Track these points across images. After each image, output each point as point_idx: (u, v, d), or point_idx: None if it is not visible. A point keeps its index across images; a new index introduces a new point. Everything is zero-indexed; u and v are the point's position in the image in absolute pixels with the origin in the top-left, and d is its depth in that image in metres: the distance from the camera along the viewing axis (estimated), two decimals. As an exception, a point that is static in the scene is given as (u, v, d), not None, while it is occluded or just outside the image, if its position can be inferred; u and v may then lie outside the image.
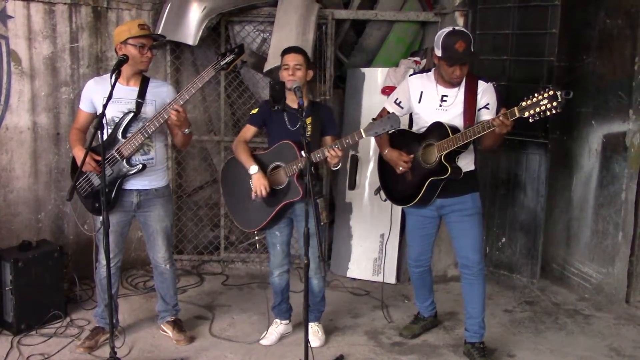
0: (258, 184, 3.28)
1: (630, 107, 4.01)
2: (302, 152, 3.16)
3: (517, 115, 2.88)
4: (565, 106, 2.81)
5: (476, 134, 3.03)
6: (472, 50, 3.11)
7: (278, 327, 3.61)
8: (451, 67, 3.11)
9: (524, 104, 2.86)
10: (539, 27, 4.11)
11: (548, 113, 2.80)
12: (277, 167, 3.33)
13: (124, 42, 3.18)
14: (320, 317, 3.64)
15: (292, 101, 3.26)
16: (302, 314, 2.84)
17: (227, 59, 3.15)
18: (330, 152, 3.12)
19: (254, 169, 3.30)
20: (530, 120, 2.86)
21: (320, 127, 3.38)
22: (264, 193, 3.27)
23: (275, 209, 3.32)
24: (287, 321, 3.65)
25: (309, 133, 3.24)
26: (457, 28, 3.18)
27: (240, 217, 3.52)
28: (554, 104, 2.78)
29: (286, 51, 3.35)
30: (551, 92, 2.79)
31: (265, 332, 3.58)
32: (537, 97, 2.82)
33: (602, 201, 4.25)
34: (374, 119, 3.16)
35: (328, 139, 3.37)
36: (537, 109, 2.82)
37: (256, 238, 3.56)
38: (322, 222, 3.28)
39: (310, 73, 3.35)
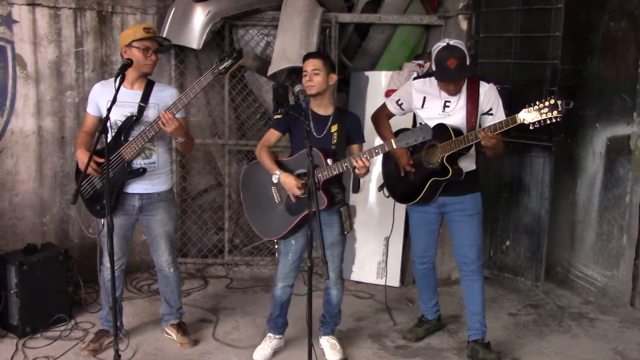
0: (290, 185, 3.13)
1: (634, 110, 4.01)
2: (329, 160, 3.08)
3: (518, 122, 2.94)
4: (565, 115, 2.88)
5: (477, 138, 3.06)
6: (467, 64, 3.10)
7: (271, 342, 3.47)
8: (444, 82, 3.15)
9: (525, 111, 2.93)
10: (543, 30, 4.10)
11: (549, 122, 2.89)
12: (302, 174, 3.20)
13: (129, 45, 3.18)
14: (335, 330, 3.55)
15: (316, 106, 3.20)
16: (305, 326, 2.80)
17: (225, 64, 3.10)
18: (358, 162, 3.00)
19: (276, 176, 3.19)
20: (531, 127, 2.93)
21: (347, 135, 3.25)
22: (298, 192, 3.12)
23: (298, 217, 3.21)
24: (280, 336, 3.52)
25: (335, 141, 3.14)
26: (450, 43, 3.10)
27: (259, 225, 3.40)
28: (555, 113, 2.86)
29: (304, 57, 3.24)
30: (552, 101, 2.87)
31: (258, 347, 3.46)
32: (539, 105, 2.89)
33: (607, 204, 4.24)
34: (404, 129, 3.11)
35: (355, 147, 3.28)
36: (538, 117, 2.89)
37: (276, 246, 3.46)
38: (345, 230, 3.26)
39: (334, 77, 3.21)
